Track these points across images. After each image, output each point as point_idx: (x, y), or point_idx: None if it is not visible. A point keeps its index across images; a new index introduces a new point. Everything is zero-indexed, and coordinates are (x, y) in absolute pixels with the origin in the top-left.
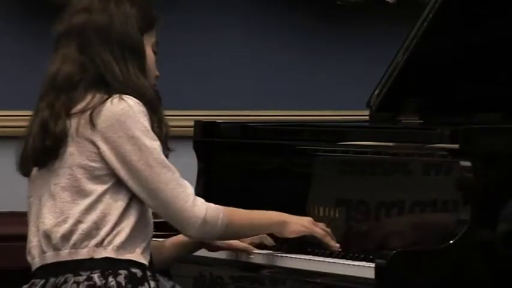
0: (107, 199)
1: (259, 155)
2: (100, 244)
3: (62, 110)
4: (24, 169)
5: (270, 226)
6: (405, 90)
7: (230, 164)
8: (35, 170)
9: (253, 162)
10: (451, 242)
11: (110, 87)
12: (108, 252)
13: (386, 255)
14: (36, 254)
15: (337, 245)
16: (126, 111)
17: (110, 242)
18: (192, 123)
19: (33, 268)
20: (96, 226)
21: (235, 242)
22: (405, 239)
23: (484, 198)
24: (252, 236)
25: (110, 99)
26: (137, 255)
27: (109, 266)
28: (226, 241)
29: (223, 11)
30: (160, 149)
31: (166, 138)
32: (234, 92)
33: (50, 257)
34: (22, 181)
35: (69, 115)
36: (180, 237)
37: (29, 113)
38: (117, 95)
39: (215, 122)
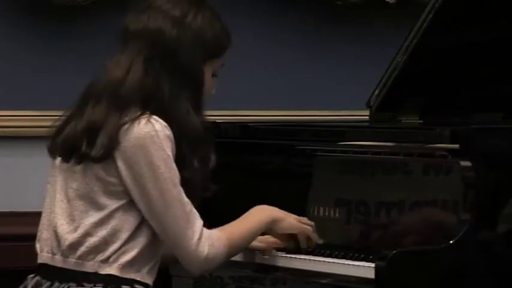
0: (120, 216)
1: (259, 155)
2: (106, 260)
3: (115, 127)
4: (52, 153)
5: (263, 227)
6: (405, 90)
7: (230, 164)
8: (58, 159)
9: (253, 162)
10: (451, 242)
11: (153, 110)
12: (113, 269)
13: (386, 255)
14: (45, 249)
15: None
16: (151, 135)
17: (115, 260)
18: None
19: (40, 260)
20: (105, 242)
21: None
22: (405, 239)
23: (484, 198)
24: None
25: (139, 119)
26: (142, 274)
27: (112, 282)
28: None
29: (223, 11)
30: (178, 180)
31: (207, 175)
32: (234, 92)
33: (58, 261)
34: (22, 181)
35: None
36: None
37: (30, 113)
38: (147, 115)
39: (215, 122)
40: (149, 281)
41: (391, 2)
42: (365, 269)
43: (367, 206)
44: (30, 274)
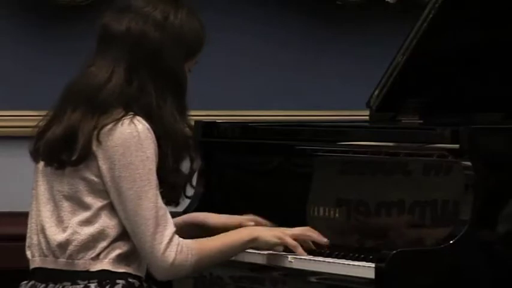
0: (106, 214)
1: (259, 155)
2: (96, 257)
3: (94, 128)
4: (34, 157)
5: (242, 245)
6: (405, 90)
7: (230, 164)
8: (41, 163)
9: (253, 162)
10: (451, 242)
11: (137, 112)
12: (104, 264)
13: (386, 255)
14: (37, 253)
15: (305, 253)
16: (132, 136)
17: (106, 256)
18: (192, 123)
19: (32, 265)
20: (93, 239)
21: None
22: (405, 239)
23: (484, 198)
24: (227, 259)
25: (122, 119)
26: (134, 268)
27: (106, 277)
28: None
29: (223, 11)
30: (155, 183)
31: (189, 181)
32: (234, 92)
33: (50, 262)
34: (22, 181)
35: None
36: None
37: (29, 113)
38: (130, 116)
39: (215, 122)
40: (141, 273)
41: (391, 2)
42: (365, 269)
43: (367, 206)
44: (27, 276)
